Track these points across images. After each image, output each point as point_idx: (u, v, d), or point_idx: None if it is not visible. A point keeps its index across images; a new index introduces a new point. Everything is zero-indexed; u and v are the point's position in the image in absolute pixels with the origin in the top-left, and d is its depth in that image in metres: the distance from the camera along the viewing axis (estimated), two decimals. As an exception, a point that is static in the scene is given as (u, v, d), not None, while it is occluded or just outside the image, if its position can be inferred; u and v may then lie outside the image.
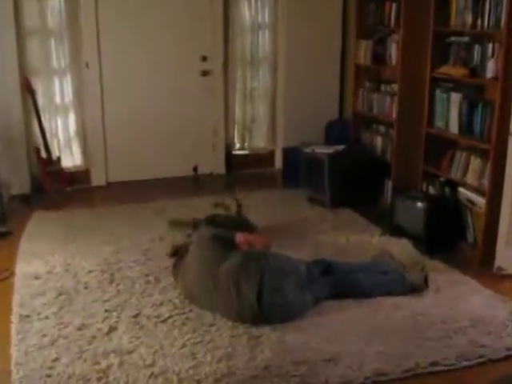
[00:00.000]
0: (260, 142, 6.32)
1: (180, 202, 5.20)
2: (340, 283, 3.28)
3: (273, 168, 6.29)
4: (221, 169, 6.14)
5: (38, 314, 3.26)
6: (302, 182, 5.36)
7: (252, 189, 5.42)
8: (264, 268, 3.05)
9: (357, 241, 4.27)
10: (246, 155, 6.26)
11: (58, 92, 5.50)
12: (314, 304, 3.22)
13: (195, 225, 3.95)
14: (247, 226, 3.93)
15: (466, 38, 4.22)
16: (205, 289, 3.13)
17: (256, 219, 4.45)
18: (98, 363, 2.78)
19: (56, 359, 2.82)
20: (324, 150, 5.23)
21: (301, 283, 3.13)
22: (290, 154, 5.77)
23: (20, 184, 5.27)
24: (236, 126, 6.19)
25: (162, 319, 3.18)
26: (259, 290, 2.96)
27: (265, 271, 3.02)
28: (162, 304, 3.35)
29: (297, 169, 5.42)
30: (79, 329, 3.12)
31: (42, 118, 5.29)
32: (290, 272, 3.11)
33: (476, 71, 4.11)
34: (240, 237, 3.31)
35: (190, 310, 3.25)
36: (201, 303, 3.21)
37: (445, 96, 4.40)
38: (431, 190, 4.62)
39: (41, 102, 5.38)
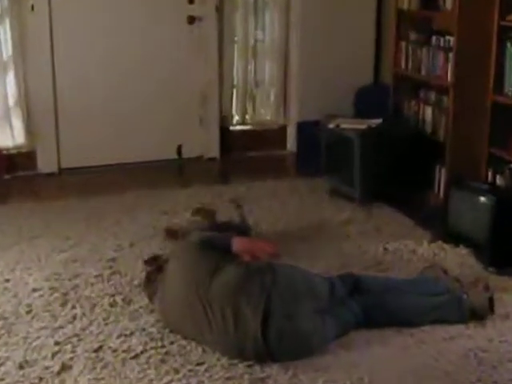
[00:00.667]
0: (266, 115, 6.42)
1: (157, 195, 5.25)
2: (374, 306, 3.32)
3: (284, 150, 6.37)
4: (213, 151, 6.21)
5: (-37, 347, 3.26)
6: (323, 168, 5.40)
7: (255, 178, 5.49)
8: (271, 286, 3.08)
9: (397, 249, 4.33)
10: (247, 132, 6.35)
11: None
12: (339, 334, 3.24)
13: (173, 234, 4.09)
14: (240, 228, 4.01)
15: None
16: (192, 314, 3.14)
17: (260, 219, 4.54)
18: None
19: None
20: (353, 126, 5.26)
21: (320, 306, 3.16)
22: (306, 130, 5.82)
23: None
24: (234, 92, 6.27)
25: (132, 355, 3.18)
26: (264, 317, 2.99)
27: (272, 291, 3.05)
28: (132, 334, 3.35)
29: (316, 151, 5.44)
30: (20, 367, 3.13)
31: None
32: (306, 291, 3.15)
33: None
34: (238, 242, 3.36)
35: (171, 343, 3.26)
36: (186, 332, 3.24)
37: (518, 51, 4.47)
38: (499, 181, 4.68)
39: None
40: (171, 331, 3.33)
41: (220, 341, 3.09)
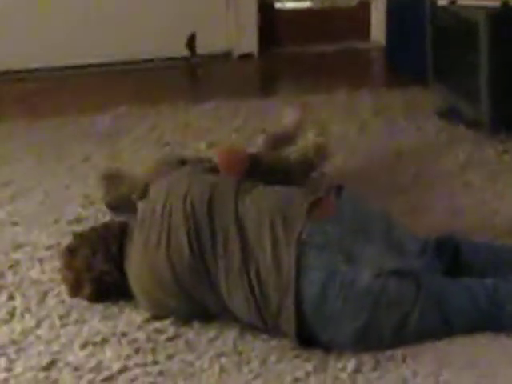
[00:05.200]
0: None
1: (154, 115, 4.66)
2: (484, 285, 2.82)
3: (365, 42, 5.90)
4: (248, 43, 5.70)
5: None
6: (429, 73, 4.75)
7: (316, 88, 4.96)
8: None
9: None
10: (304, 13, 6.02)
11: None
12: (425, 311, 2.77)
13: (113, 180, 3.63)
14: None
15: None
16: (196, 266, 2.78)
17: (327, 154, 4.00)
18: None
19: None
20: (479, 3, 4.49)
21: (404, 266, 2.74)
22: (402, 10, 5.29)
23: None
24: None
25: (104, 376, 2.68)
26: (298, 263, 2.67)
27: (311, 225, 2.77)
28: (105, 341, 2.84)
29: (418, 44, 4.85)
30: None
31: None
32: (384, 236, 2.80)
33: None
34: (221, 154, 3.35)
35: (170, 357, 2.73)
36: (184, 303, 2.84)
37: None
38: None
39: None
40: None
41: (238, 294, 2.77)
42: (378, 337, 2.66)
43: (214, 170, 3.30)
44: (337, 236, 2.76)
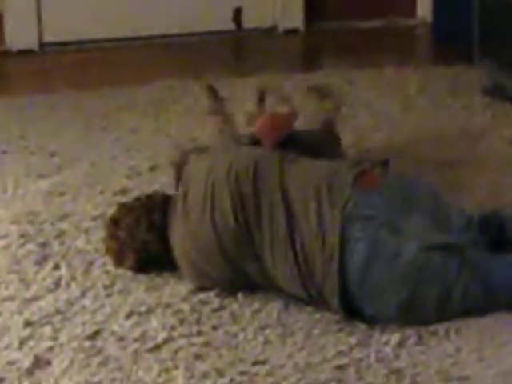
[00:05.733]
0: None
1: (199, 89, 4.49)
2: None
3: (411, 17, 5.85)
4: (294, 18, 5.66)
5: None
6: (476, 49, 4.74)
7: (362, 63, 4.98)
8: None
9: None
10: None
11: None
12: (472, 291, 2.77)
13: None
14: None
15: None
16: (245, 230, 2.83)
17: (370, 131, 4.16)
18: None
19: None
20: None
21: (450, 239, 2.76)
22: None
23: None
24: None
25: (149, 346, 2.73)
26: (343, 234, 2.71)
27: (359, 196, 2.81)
28: (150, 312, 2.89)
29: (465, 19, 4.83)
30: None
31: None
32: (431, 209, 2.84)
33: None
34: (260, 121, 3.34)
35: (214, 327, 2.77)
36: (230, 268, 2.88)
37: None
38: None
39: None
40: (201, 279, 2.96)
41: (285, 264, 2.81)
42: (421, 310, 2.66)
43: (255, 143, 3.32)
44: (382, 208, 2.78)
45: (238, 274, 2.90)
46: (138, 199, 3.20)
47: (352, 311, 2.67)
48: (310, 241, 2.75)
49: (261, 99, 3.81)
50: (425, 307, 2.63)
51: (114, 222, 3.13)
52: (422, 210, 2.85)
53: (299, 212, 2.79)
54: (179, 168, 3.33)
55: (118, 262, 3.13)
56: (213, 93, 3.98)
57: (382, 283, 2.66)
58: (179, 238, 2.96)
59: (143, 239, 3.03)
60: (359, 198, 2.77)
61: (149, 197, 3.18)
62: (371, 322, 2.67)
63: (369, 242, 2.68)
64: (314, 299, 2.79)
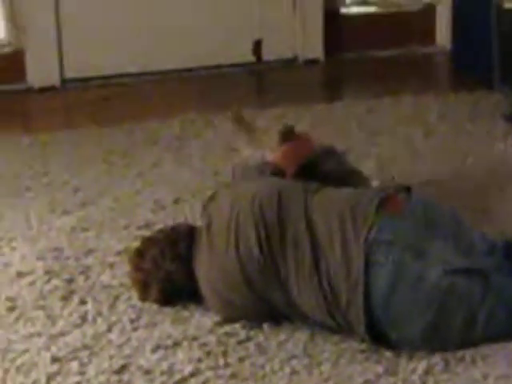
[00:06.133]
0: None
1: (221, 122, 4.57)
2: None
3: (430, 45, 5.82)
4: (314, 49, 5.64)
5: None
6: (497, 76, 4.79)
7: (381, 92, 4.97)
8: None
9: None
10: (369, 17, 5.93)
11: None
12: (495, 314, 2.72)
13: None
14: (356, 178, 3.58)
15: None
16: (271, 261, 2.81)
17: (392, 159, 4.10)
18: None
19: None
20: None
21: (474, 263, 2.75)
22: (468, 13, 5.24)
23: None
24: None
25: (177, 379, 2.71)
26: (367, 259, 2.68)
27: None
28: (177, 345, 2.85)
29: (485, 47, 4.86)
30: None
31: None
32: (454, 233, 2.80)
33: None
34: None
35: (241, 359, 2.75)
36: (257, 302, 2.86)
37: None
38: None
39: None
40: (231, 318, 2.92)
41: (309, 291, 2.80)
42: (446, 334, 2.65)
43: (277, 173, 3.32)
44: (406, 232, 2.77)
45: (263, 303, 2.87)
46: (161, 231, 3.21)
47: (377, 337, 2.67)
48: (335, 268, 2.74)
49: (285, 139, 3.67)
50: (449, 331, 2.60)
51: (139, 254, 3.11)
52: (445, 235, 2.84)
53: (324, 240, 2.79)
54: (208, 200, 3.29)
55: (144, 294, 3.11)
56: (245, 123, 3.96)
57: (407, 307, 2.65)
58: (204, 268, 2.95)
59: (168, 269, 3.01)
60: (383, 222, 2.77)
61: (173, 228, 3.18)
62: (396, 347, 2.66)
63: (393, 267, 2.67)
64: (339, 327, 2.75)
